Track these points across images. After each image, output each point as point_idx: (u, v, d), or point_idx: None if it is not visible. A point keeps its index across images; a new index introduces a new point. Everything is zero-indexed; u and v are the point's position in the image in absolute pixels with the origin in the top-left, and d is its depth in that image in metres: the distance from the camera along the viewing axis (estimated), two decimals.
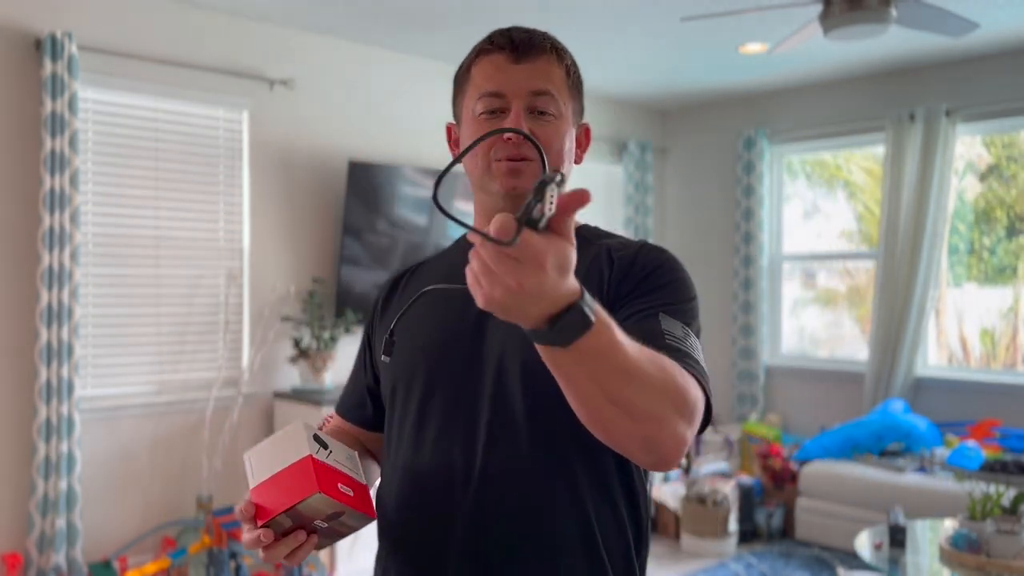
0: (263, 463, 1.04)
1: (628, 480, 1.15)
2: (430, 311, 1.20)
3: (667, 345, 1.02)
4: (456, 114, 1.25)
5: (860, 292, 5.43)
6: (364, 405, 1.33)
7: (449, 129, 1.28)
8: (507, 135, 1.12)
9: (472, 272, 0.79)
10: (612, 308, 1.08)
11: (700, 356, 1.07)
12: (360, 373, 1.35)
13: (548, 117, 1.16)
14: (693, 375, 1.00)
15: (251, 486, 1.03)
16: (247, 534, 1.02)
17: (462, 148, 1.20)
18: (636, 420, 0.91)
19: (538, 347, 0.86)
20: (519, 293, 0.77)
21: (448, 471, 1.12)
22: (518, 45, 1.17)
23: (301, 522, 1.00)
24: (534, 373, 1.04)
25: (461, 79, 1.23)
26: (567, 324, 0.82)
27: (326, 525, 1.02)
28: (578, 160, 1.23)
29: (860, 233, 5.42)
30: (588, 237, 1.21)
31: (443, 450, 1.13)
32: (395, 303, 1.29)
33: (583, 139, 1.25)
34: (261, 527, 1.00)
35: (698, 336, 1.11)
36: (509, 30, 1.19)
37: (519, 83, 1.15)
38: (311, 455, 1.02)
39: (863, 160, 5.42)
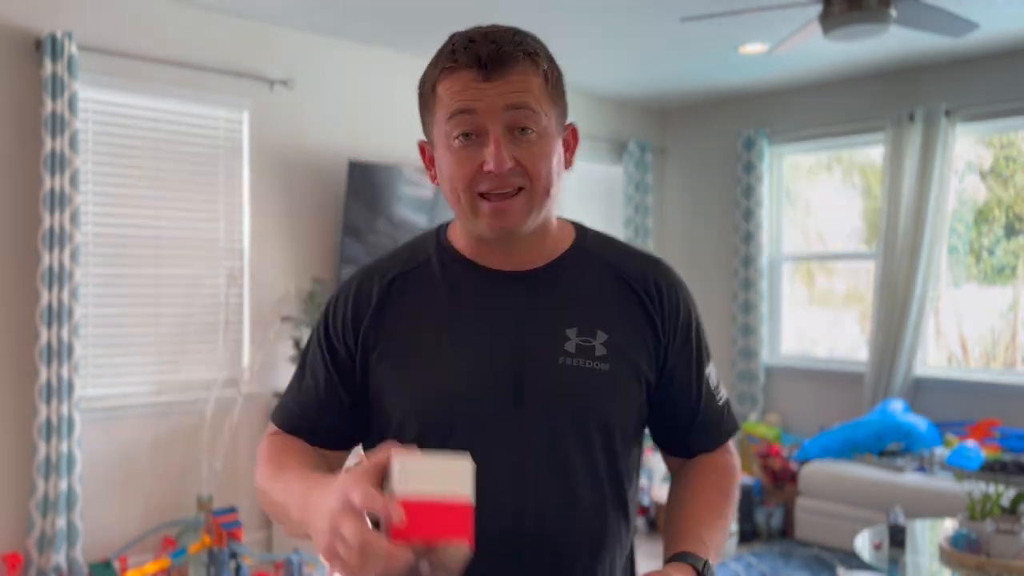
0: (418, 477, 0.89)
1: (634, 495, 1.20)
2: (459, 344, 1.10)
3: (706, 413, 1.20)
4: (427, 134, 1.13)
5: (859, 292, 5.43)
6: (339, 430, 1.16)
7: (423, 148, 1.15)
8: (488, 166, 1.03)
9: None
10: (664, 353, 1.16)
11: (723, 391, 1.24)
12: (324, 386, 1.15)
13: (530, 135, 1.04)
14: (729, 441, 1.24)
15: (396, 489, 0.88)
16: (366, 533, 0.85)
17: (439, 170, 1.11)
18: None
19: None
20: None
21: (508, 515, 1.07)
22: (486, 61, 1.02)
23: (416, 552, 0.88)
24: (585, 419, 1.10)
25: (427, 97, 1.09)
26: None
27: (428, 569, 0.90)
28: (568, 164, 1.13)
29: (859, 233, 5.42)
30: (591, 250, 1.17)
31: (499, 501, 1.05)
32: (393, 318, 1.13)
33: (571, 141, 1.14)
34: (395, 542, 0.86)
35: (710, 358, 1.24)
36: (472, 40, 1.04)
37: (492, 102, 1.02)
38: (471, 503, 0.89)
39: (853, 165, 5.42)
